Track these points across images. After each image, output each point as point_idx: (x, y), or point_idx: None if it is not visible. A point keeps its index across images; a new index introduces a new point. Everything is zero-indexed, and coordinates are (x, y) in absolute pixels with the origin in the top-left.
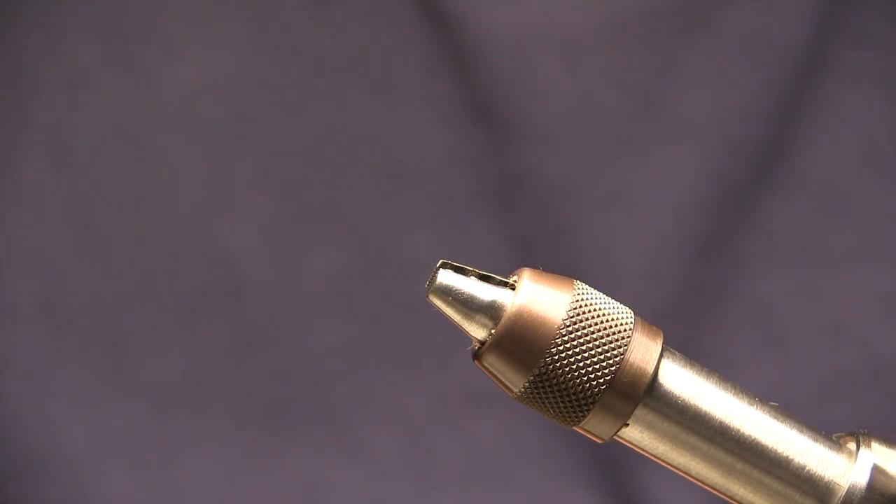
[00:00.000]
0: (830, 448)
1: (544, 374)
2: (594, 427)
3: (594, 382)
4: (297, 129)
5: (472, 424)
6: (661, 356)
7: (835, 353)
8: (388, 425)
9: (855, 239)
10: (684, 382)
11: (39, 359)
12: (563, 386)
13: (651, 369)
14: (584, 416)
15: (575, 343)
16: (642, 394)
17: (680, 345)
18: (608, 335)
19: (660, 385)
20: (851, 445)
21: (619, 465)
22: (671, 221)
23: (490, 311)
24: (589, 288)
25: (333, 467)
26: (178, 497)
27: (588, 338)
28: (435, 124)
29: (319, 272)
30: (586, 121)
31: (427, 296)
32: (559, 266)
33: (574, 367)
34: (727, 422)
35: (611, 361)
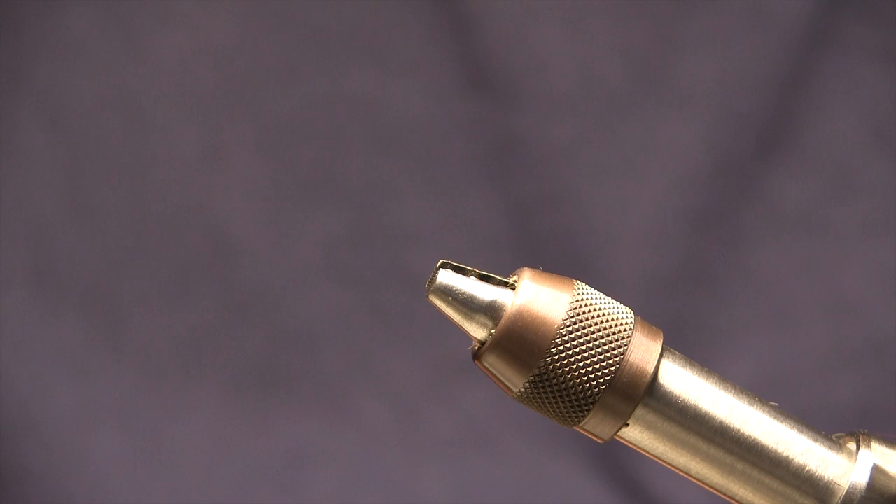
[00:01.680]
0: (830, 448)
1: (544, 374)
2: (594, 427)
3: (594, 382)
4: (292, 97)
5: (463, 394)
6: (661, 356)
7: (837, 328)
8: (380, 393)
9: (858, 214)
10: (684, 382)
11: (31, 323)
12: (563, 386)
13: (651, 369)
14: (584, 417)
15: (575, 343)
16: (642, 394)
17: (679, 317)
18: (608, 335)
19: (660, 385)
20: (851, 445)
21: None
22: (672, 192)
23: (490, 312)
24: (589, 288)
25: (324, 434)
26: (168, 461)
27: (588, 338)
28: (432, 92)
29: (313, 240)
30: (587, 89)
31: (427, 296)
32: (557, 235)
33: (574, 367)
34: (727, 422)
35: (611, 361)
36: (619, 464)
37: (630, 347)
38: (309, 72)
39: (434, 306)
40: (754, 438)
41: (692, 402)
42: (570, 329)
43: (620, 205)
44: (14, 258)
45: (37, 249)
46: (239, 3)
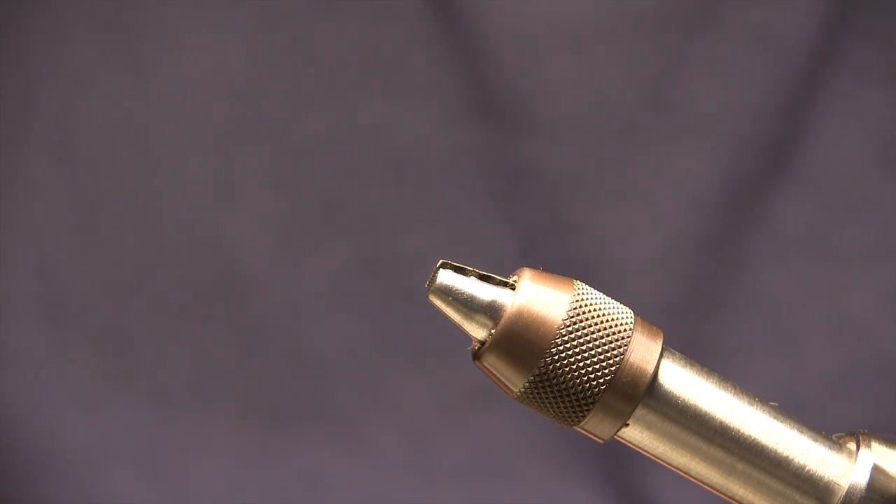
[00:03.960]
0: (830, 448)
1: (544, 374)
2: (594, 427)
3: (594, 382)
4: (302, 126)
5: (476, 420)
6: (661, 356)
7: (843, 349)
8: (393, 421)
9: (864, 236)
10: (684, 382)
11: (44, 356)
12: (563, 386)
13: (651, 369)
14: (584, 417)
15: (575, 343)
16: (642, 394)
17: (688, 340)
18: (608, 335)
19: (660, 385)
20: (851, 445)
21: (623, 461)
22: (680, 217)
23: (490, 312)
24: (589, 288)
25: (337, 463)
26: (182, 493)
27: (588, 338)
28: (442, 120)
29: (324, 268)
30: (596, 115)
31: (427, 296)
32: (566, 260)
33: (574, 367)
34: (727, 422)
35: (611, 361)
36: (634, 489)
37: (630, 347)
38: (319, 101)
39: (434, 306)
40: (754, 438)
41: (692, 402)
42: (570, 329)
43: (628, 229)
44: (26, 292)
45: (48, 283)
46: (248, 33)
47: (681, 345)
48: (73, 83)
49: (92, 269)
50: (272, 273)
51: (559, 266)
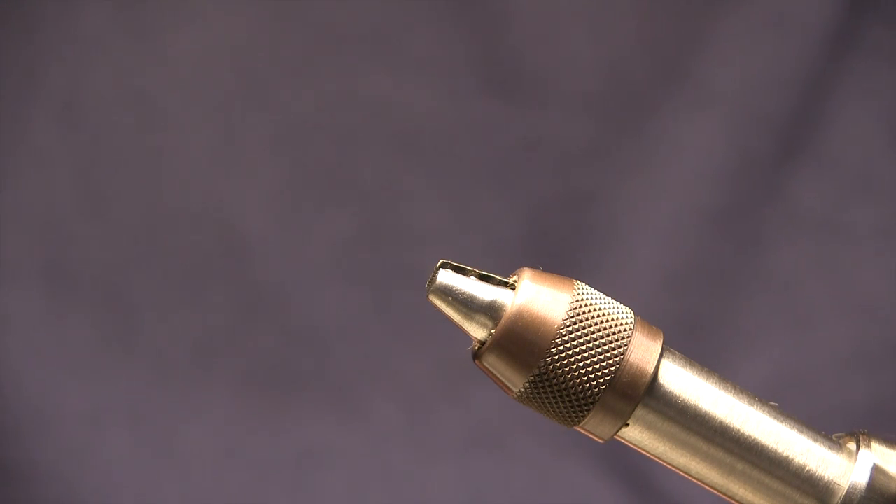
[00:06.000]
0: (830, 448)
1: (544, 374)
2: (594, 427)
3: (594, 382)
4: (307, 96)
5: (473, 394)
6: (661, 356)
7: (853, 328)
8: (390, 393)
9: (877, 216)
10: (684, 382)
11: (44, 319)
12: (563, 386)
13: (651, 369)
14: (584, 417)
15: (575, 343)
16: (642, 394)
17: (697, 314)
18: (608, 335)
19: (660, 385)
20: (851, 445)
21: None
22: (693, 191)
23: (490, 312)
24: (589, 288)
25: (334, 433)
26: (179, 460)
27: (588, 338)
28: (449, 92)
29: (326, 240)
30: (611, 88)
31: (427, 296)
32: (577, 234)
33: (574, 367)
34: (727, 422)
35: (611, 361)
36: (629, 463)
37: (630, 347)
38: (324, 71)
39: (434, 306)
40: (754, 438)
41: (692, 402)
42: (570, 329)
43: (641, 203)
44: (27, 256)
45: (50, 247)
46: (255, 3)
47: (691, 319)
48: (79, 49)
49: (94, 234)
50: (274, 243)
51: (570, 240)
